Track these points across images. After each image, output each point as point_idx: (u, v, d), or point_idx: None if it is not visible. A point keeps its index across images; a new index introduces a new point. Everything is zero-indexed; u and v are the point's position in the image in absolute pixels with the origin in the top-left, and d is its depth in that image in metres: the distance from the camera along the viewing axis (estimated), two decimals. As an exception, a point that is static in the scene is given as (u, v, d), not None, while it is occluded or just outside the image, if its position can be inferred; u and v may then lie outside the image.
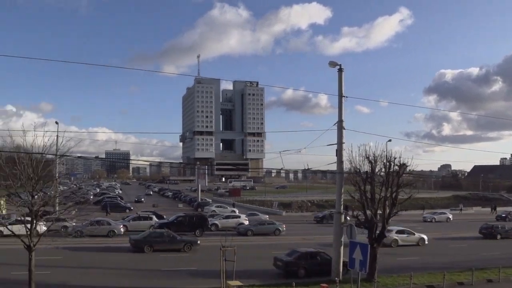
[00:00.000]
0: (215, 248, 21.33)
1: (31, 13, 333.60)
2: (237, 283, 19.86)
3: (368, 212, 23.01)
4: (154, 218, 44.46)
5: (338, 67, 23.09)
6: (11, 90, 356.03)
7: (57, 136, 22.05)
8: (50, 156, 21.84)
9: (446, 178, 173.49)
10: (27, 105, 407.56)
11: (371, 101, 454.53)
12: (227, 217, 48.88)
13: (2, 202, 39.17)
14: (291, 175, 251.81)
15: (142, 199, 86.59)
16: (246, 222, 46.57)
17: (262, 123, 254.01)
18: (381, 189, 23.11)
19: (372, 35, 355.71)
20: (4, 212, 39.79)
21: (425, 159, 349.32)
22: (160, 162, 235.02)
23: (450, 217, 65.48)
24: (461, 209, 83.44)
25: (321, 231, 45.95)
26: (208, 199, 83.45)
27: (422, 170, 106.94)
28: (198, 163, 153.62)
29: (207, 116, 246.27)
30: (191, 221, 41.84)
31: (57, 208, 21.56)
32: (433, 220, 62.80)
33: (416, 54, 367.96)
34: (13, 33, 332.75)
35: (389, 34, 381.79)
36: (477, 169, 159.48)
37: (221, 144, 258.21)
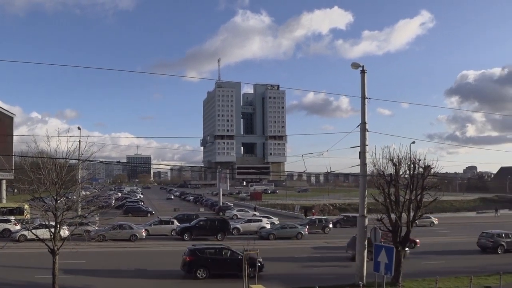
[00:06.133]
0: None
1: (58, 23, 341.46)
2: (260, 287, 19.72)
3: (393, 215, 22.60)
4: (176, 222, 44.57)
5: (360, 68, 22.70)
6: (36, 98, 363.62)
7: (79, 141, 22.33)
8: (73, 161, 22.12)
9: (472, 180, 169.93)
10: (52, 112, 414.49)
11: (393, 103, 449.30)
12: (249, 220, 48.66)
13: (26, 206, 39.76)
14: (313, 179, 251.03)
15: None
16: (268, 226, 46.33)
17: (283, 127, 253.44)
18: (405, 192, 22.70)
19: (393, 38, 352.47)
20: (28, 216, 40.30)
21: (449, 161, 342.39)
22: (181, 166, 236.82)
23: None
24: (496, 211, 79.13)
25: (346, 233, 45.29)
26: (229, 203, 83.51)
27: (446, 172, 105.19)
28: (219, 167, 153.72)
29: (227, 120, 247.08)
30: (212, 225, 41.71)
31: (79, 213, 21.72)
32: None
33: (437, 56, 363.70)
34: (40, 42, 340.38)
35: (410, 37, 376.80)
36: (504, 171, 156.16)
37: (242, 148, 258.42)
